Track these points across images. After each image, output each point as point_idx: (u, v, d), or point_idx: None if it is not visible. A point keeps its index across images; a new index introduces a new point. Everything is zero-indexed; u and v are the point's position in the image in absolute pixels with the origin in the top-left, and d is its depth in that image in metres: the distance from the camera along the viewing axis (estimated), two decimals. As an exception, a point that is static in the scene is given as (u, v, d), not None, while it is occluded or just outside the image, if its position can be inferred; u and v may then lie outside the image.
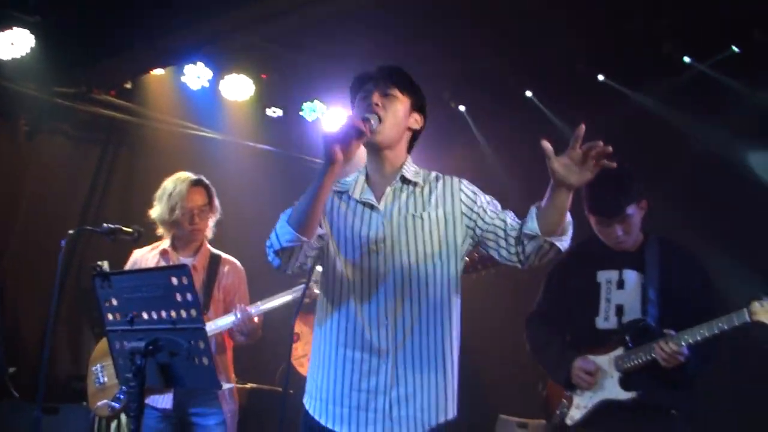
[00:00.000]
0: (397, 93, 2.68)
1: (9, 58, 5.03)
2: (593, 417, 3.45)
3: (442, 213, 2.63)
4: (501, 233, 2.59)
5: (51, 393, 5.01)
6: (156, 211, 4.05)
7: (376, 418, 2.55)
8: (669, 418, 3.38)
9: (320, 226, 2.60)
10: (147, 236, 4.12)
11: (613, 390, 3.41)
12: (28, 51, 5.02)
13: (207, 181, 4.13)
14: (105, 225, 3.97)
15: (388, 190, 2.68)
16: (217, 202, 4.12)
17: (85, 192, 6.08)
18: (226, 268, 4.09)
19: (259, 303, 3.91)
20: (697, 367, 3.34)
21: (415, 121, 2.76)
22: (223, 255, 4.13)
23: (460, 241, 2.64)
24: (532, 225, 2.50)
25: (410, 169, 2.73)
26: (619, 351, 3.43)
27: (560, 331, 3.64)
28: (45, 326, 5.67)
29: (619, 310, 3.49)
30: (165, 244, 4.07)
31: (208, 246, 4.13)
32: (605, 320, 3.50)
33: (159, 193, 4.06)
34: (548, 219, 2.48)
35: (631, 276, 3.50)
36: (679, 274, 3.46)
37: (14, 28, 4.97)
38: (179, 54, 5.50)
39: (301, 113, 6.74)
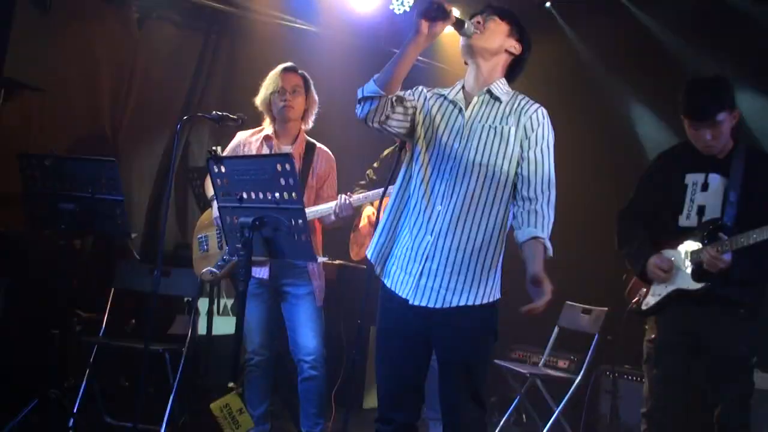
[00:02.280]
0: (497, 19, 3.08)
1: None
2: (665, 303, 3.81)
3: (513, 130, 3.00)
4: (520, 182, 3.01)
5: (162, 257, 5.59)
6: (258, 98, 4.40)
7: (409, 280, 3.01)
8: (734, 311, 3.67)
9: (405, 96, 3.02)
10: (249, 122, 4.49)
11: (685, 280, 3.74)
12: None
13: (303, 71, 4.43)
14: (214, 112, 4.32)
15: (476, 99, 3.07)
16: (314, 92, 4.42)
17: (190, 77, 6.48)
18: (320, 157, 4.42)
19: (353, 195, 4.26)
20: (748, 272, 3.59)
21: (513, 46, 3.11)
22: (317, 144, 4.45)
23: (517, 155, 3.01)
24: (521, 235, 2.97)
25: (500, 87, 3.09)
26: (696, 246, 3.73)
27: (646, 227, 3.92)
28: (154, 198, 6.28)
29: (701, 210, 3.76)
30: (268, 130, 4.40)
31: (305, 135, 4.46)
32: (687, 218, 3.78)
33: (264, 82, 4.39)
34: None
35: (715, 179, 3.74)
36: (762, 180, 3.67)
37: None
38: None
39: (391, 7, 7.00)
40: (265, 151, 4.33)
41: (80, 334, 5.06)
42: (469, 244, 2.98)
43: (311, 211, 4.20)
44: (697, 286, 3.71)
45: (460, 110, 3.07)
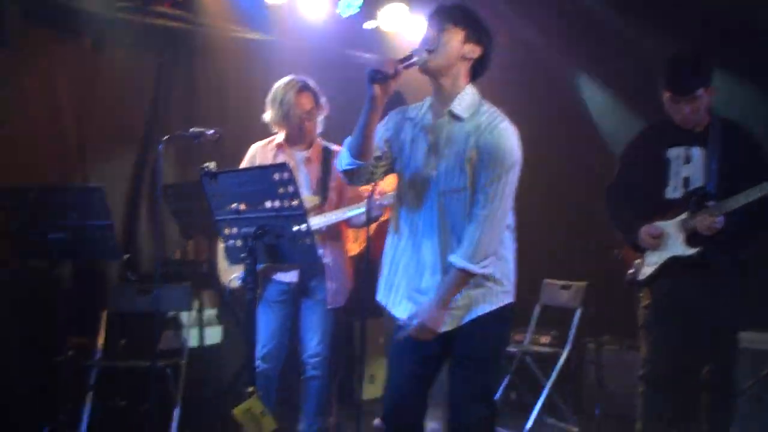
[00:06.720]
0: (449, 26, 2.98)
1: (76, -21, 5.49)
2: (662, 271, 4.02)
3: (473, 151, 2.95)
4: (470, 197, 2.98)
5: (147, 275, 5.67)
6: (269, 115, 4.45)
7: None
8: (723, 282, 3.94)
9: (381, 148, 3.08)
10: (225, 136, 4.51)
11: (679, 248, 3.96)
12: (94, -27, 5.47)
13: (312, 83, 4.47)
14: (191, 129, 4.31)
15: (439, 122, 3.05)
16: (324, 101, 4.48)
17: (149, 97, 6.51)
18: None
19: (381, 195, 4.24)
20: (742, 229, 3.84)
21: (471, 50, 3.01)
22: (334, 147, 4.44)
23: None
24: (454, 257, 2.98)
25: (463, 102, 3.01)
26: (685, 215, 3.95)
27: (634, 201, 4.13)
28: (129, 219, 6.31)
29: (686, 182, 3.99)
30: (279, 138, 4.48)
31: (319, 140, 4.52)
32: (674, 191, 4.00)
33: (270, 98, 4.44)
34: None
35: (696, 152, 3.98)
36: (737, 147, 3.93)
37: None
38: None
39: (338, 11, 7.11)
40: (280, 158, 4.39)
41: (75, 359, 5.10)
42: None
43: (337, 215, 4.32)
44: (692, 251, 3.94)
45: (427, 138, 3.06)
